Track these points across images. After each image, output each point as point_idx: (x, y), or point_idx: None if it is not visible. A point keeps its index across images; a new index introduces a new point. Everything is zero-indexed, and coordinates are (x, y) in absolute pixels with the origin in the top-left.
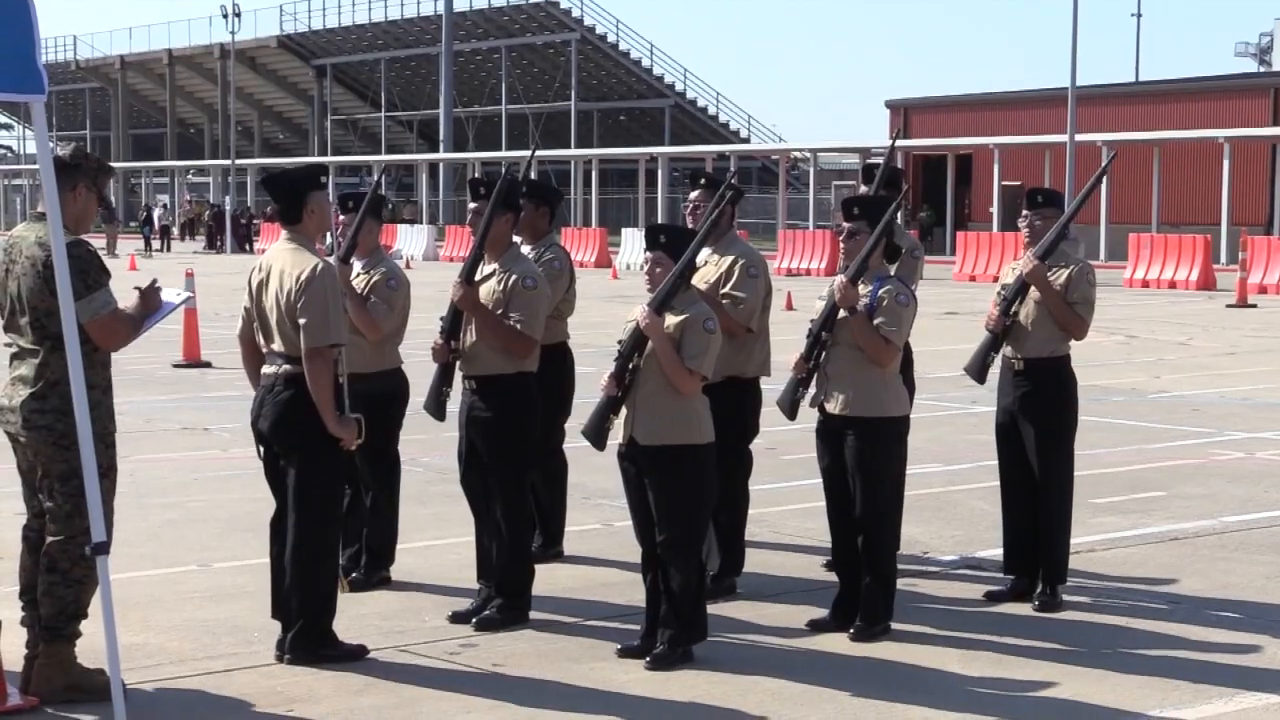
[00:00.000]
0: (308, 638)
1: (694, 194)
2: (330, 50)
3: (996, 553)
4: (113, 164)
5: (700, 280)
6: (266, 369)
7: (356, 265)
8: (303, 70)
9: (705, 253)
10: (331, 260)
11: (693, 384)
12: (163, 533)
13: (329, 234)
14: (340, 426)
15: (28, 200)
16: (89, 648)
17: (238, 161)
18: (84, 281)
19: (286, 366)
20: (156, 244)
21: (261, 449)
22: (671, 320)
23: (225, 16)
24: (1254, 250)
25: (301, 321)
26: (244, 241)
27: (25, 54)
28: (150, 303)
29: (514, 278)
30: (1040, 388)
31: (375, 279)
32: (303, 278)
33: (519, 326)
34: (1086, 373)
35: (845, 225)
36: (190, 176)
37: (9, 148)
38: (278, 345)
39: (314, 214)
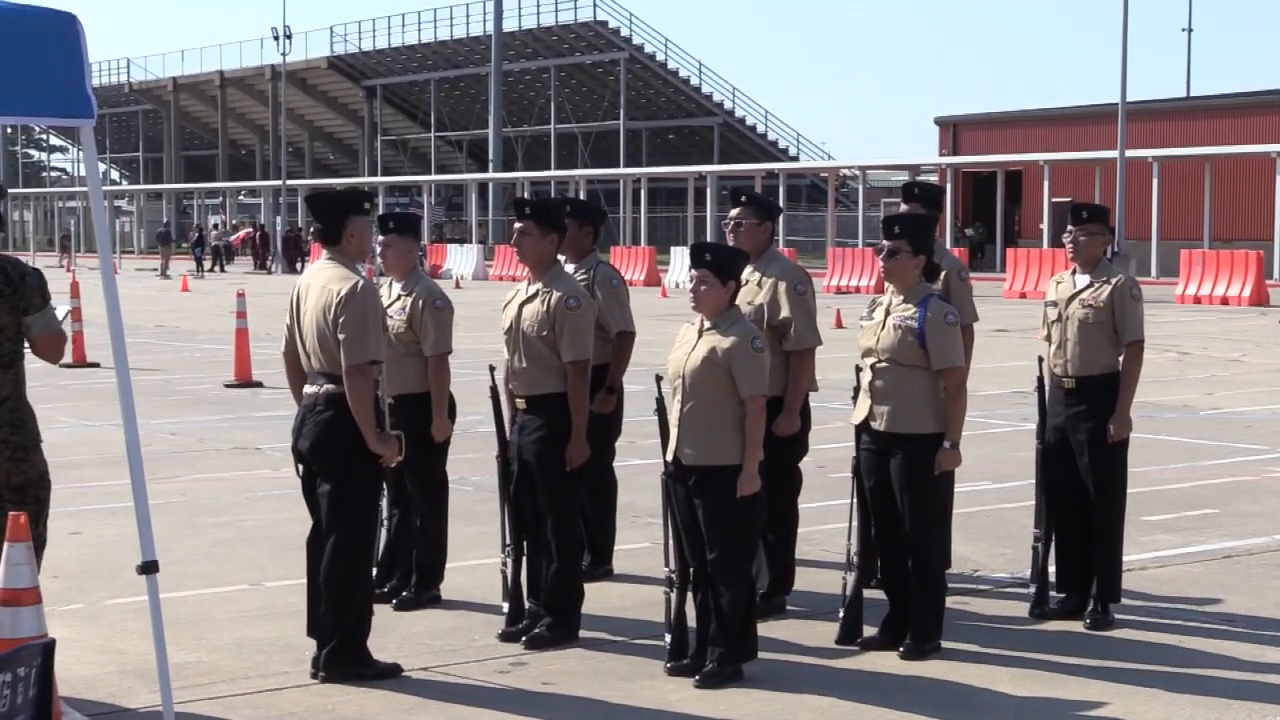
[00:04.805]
0: (342, 655)
1: (734, 211)
2: (380, 71)
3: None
4: (165, 185)
5: (743, 301)
6: (308, 388)
7: (396, 287)
8: (353, 91)
9: (746, 270)
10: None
11: (762, 407)
12: (215, 551)
13: (374, 257)
14: (381, 443)
15: (81, 222)
16: (141, 667)
17: (289, 182)
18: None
19: (329, 386)
20: (210, 264)
21: (300, 467)
22: (721, 344)
23: (276, 38)
24: None
25: (341, 337)
26: (294, 262)
27: (75, 80)
28: None
29: (556, 296)
30: (1094, 405)
31: (420, 302)
32: (343, 294)
33: (568, 354)
34: (1138, 390)
35: (886, 244)
36: (241, 197)
37: (64, 170)
38: (318, 363)
39: (353, 238)
